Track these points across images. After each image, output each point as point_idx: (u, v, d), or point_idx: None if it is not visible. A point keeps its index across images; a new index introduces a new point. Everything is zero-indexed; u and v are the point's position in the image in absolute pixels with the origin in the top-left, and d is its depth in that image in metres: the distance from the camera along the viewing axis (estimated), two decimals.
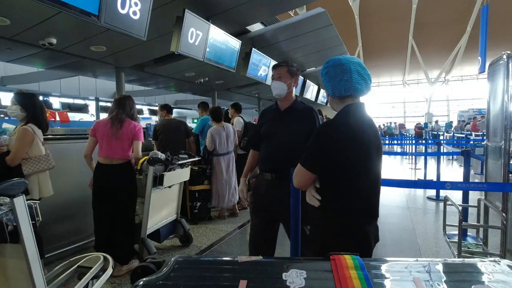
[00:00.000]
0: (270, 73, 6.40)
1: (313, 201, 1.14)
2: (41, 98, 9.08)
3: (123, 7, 2.34)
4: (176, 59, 4.49)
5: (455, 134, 13.24)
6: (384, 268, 0.51)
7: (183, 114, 17.47)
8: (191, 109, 15.63)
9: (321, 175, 1.13)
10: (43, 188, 2.25)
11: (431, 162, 8.35)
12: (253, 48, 5.01)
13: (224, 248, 3.09)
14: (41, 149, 2.27)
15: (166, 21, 3.17)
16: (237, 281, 0.48)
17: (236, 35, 4.38)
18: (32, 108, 2.25)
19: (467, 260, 0.50)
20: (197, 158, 3.32)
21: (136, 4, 2.44)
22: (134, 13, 2.44)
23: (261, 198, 1.81)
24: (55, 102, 12.15)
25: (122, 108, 2.50)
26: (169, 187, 2.83)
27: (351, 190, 1.10)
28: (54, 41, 3.47)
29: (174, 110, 5.58)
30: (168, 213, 2.98)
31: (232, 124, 4.38)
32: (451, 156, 9.87)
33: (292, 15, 8.41)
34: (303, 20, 4.77)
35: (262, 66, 5.66)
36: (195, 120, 5.69)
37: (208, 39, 3.54)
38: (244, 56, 4.96)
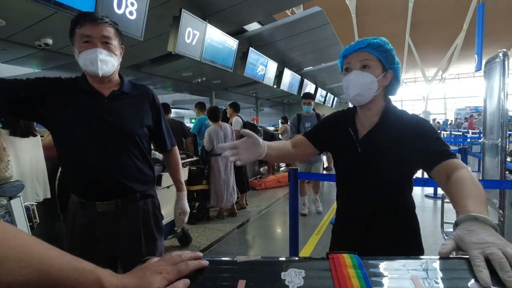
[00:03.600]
0: (268, 72, 6.40)
1: None
2: None
3: (119, 7, 2.33)
4: (173, 59, 4.48)
5: (452, 132, 13.32)
6: (382, 266, 0.51)
7: (181, 114, 17.44)
8: (189, 109, 15.62)
9: None
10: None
11: None
12: (250, 48, 5.02)
13: (223, 248, 3.09)
14: (2, 155, 2.11)
15: (162, 21, 3.16)
16: (236, 281, 0.48)
17: (233, 34, 4.38)
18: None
19: (465, 257, 0.51)
20: (195, 158, 3.31)
21: (132, 4, 2.43)
22: (131, 13, 2.44)
23: None
24: None
25: None
26: (167, 187, 2.82)
27: None
28: (50, 41, 3.45)
29: (172, 110, 5.57)
30: (166, 214, 2.97)
31: (231, 124, 4.37)
32: None
33: (289, 14, 8.40)
34: (300, 19, 4.77)
35: (260, 65, 5.67)
36: (193, 120, 5.67)
37: (205, 38, 3.54)
38: (242, 56, 4.97)
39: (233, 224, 3.74)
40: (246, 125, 4.63)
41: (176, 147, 1.36)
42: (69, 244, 1.12)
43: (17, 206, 1.10)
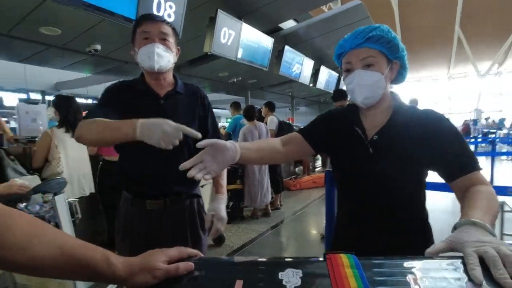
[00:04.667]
0: (304, 70, 6.27)
1: None
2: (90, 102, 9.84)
3: (158, 10, 2.43)
4: (210, 60, 4.56)
5: (510, 132, 11.96)
6: (379, 266, 0.51)
7: (217, 114, 17.87)
8: (225, 109, 15.95)
9: None
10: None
11: (483, 162, 7.61)
12: (286, 46, 4.94)
13: (256, 249, 3.07)
14: (55, 153, 2.24)
15: (199, 22, 3.23)
16: (233, 281, 0.48)
17: (268, 33, 4.35)
18: (64, 111, 2.32)
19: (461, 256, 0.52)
20: None
21: (170, 7, 2.52)
22: (169, 15, 2.52)
23: None
24: None
25: None
26: (201, 186, 2.87)
27: None
28: (98, 47, 3.70)
29: None
30: None
31: (266, 123, 4.35)
32: (505, 156, 8.92)
33: (326, 10, 8.16)
34: (338, 14, 4.60)
35: (296, 64, 5.57)
36: (228, 120, 5.76)
37: (240, 38, 3.55)
38: (277, 54, 4.92)
39: (266, 225, 3.71)
40: (281, 124, 4.57)
41: None
42: (120, 238, 1.18)
43: (61, 202, 1.18)
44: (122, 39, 3.58)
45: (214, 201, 1.19)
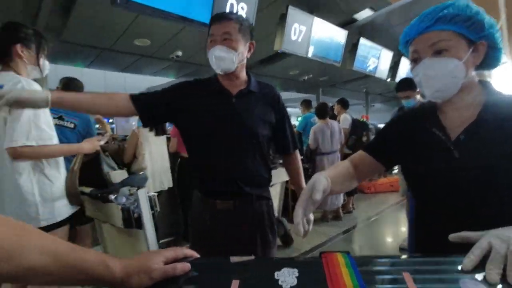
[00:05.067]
0: (381, 63, 5.74)
1: None
2: None
3: (231, 12, 2.52)
4: (280, 58, 4.57)
5: None
6: (374, 264, 0.52)
7: (288, 112, 17.84)
8: (295, 107, 15.85)
9: None
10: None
11: None
12: (360, 38, 4.59)
13: None
14: (140, 150, 2.53)
15: (270, 21, 3.24)
16: (230, 281, 0.48)
17: (341, 25, 4.11)
18: None
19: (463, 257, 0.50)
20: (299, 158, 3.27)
21: (243, 8, 2.59)
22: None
23: None
24: None
25: None
26: (271, 186, 2.87)
27: None
28: (180, 53, 4.09)
29: None
30: None
31: (339, 121, 4.13)
32: None
33: None
34: None
35: (371, 57, 5.13)
36: (299, 118, 5.68)
37: (311, 33, 3.44)
38: (351, 48, 4.61)
39: (337, 229, 3.51)
40: (355, 122, 4.27)
41: (298, 151, 1.33)
42: (192, 233, 1.23)
43: (143, 196, 1.31)
44: (199, 43, 3.87)
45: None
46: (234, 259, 0.57)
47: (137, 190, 1.32)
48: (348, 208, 4.10)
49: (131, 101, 1.06)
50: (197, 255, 0.58)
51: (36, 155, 1.22)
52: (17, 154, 1.17)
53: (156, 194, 1.49)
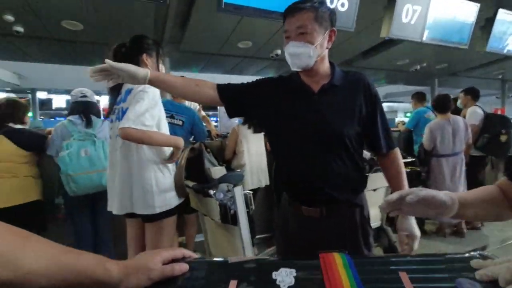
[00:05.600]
0: None
1: None
2: None
3: (331, 1, 2.37)
4: (387, 47, 4.11)
5: None
6: (371, 264, 0.54)
7: (393, 108, 15.97)
8: (402, 102, 14.04)
9: None
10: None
11: None
12: (499, 10, 3.62)
13: None
14: (240, 147, 2.65)
15: (375, 6, 2.92)
16: (228, 281, 0.49)
17: None
18: None
19: (459, 256, 0.53)
20: (409, 159, 2.84)
21: None
22: (342, 4, 2.42)
23: None
24: None
25: None
26: (374, 190, 2.60)
27: None
28: (279, 52, 4.17)
29: (384, 105, 5.10)
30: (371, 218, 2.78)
31: (464, 116, 3.40)
32: None
33: None
34: None
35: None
36: (408, 114, 4.95)
37: (428, 12, 2.91)
38: (484, 24, 3.69)
39: (456, 248, 2.90)
40: (488, 117, 3.41)
41: (396, 150, 1.12)
42: (278, 234, 1.21)
43: (239, 193, 1.36)
44: None
45: (403, 219, 0.97)
46: (232, 259, 0.57)
47: (233, 187, 1.39)
48: (474, 224, 3.33)
49: (217, 91, 1.09)
50: (195, 256, 0.58)
51: (139, 139, 1.30)
52: (124, 135, 1.27)
53: (251, 192, 1.54)
